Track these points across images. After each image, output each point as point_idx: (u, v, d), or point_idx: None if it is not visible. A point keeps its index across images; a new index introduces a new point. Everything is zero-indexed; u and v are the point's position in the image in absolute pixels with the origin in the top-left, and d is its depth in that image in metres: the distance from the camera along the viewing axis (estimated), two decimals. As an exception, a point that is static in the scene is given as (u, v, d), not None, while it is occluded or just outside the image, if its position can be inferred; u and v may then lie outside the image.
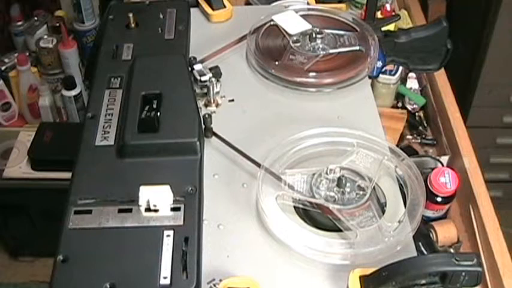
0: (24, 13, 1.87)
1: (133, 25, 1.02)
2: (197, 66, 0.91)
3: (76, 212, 0.73)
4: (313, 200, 0.74)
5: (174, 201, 0.73)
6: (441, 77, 1.28)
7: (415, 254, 0.71)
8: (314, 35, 0.96)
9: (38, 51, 1.77)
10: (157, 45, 0.99)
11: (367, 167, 0.78)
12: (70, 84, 1.71)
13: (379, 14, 1.37)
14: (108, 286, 0.65)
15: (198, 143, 0.79)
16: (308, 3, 1.11)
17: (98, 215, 0.72)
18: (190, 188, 0.75)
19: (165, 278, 0.65)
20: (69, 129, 1.72)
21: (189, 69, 0.91)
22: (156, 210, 0.72)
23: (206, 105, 0.90)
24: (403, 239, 0.70)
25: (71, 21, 1.85)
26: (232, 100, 0.92)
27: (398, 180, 0.78)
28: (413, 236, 0.71)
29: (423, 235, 1.02)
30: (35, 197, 1.70)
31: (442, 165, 1.15)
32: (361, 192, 0.74)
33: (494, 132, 1.92)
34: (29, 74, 1.76)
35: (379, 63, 0.97)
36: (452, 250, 1.05)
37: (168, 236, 0.69)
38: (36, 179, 1.66)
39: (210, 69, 0.91)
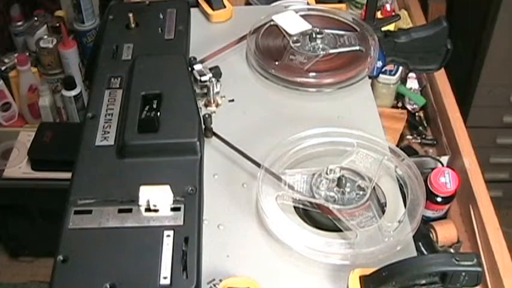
0: (24, 13, 1.87)
1: (133, 25, 1.02)
2: (197, 66, 0.91)
3: (76, 212, 0.73)
4: (313, 200, 0.74)
5: (174, 201, 0.73)
6: (441, 77, 1.28)
7: (415, 254, 0.71)
8: (314, 35, 0.96)
9: (38, 51, 1.77)
10: (157, 45, 0.99)
11: (367, 167, 0.78)
12: (70, 84, 1.71)
13: (379, 14, 1.37)
14: (108, 286, 0.65)
15: (198, 143, 0.79)
16: (308, 3, 1.11)
17: (98, 215, 0.72)
18: (190, 188, 0.75)
19: (165, 278, 0.65)
20: (69, 129, 1.73)
21: (189, 69, 0.91)
22: (156, 210, 0.72)
23: (206, 105, 0.90)
24: (403, 239, 0.70)
25: (71, 21, 1.85)
26: (232, 100, 0.92)
27: (398, 180, 0.78)
28: (413, 236, 0.71)
29: (423, 235, 1.02)
30: (35, 197, 1.70)
31: (442, 165, 1.15)
32: (361, 192, 0.74)
33: (494, 132, 1.92)
34: (29, 74, 1.77)
35: (379, 63, 0.97)
36: (452, 250, 1.05)
37: (168, 236, 0.69)
38: (36, 179, 1.66)
39: (210, 69, 0.91)
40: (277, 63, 0.93)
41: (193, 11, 1.08)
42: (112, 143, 0.81)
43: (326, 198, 0.74)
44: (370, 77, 0.96)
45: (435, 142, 1.26)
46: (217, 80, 0.90)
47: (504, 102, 1.84)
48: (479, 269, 0.61)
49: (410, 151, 1.22)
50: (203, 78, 0.89)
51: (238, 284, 0.65)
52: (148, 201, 0.72)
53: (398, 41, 0.97)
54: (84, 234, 0.70)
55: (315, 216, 0.74)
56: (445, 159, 1.16)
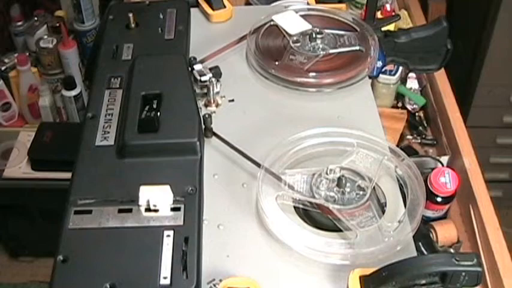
0: (24, 13, 1.87)
1: (133, 25, 1.02)
2: (197, 66, 0.91)
3: (76, 212, 0.73)
4: (313, 200, 0.74)
5: (174, 201, 0.73)
6: (441, 77, 1.28)
7: (415, 254, 0.71)
8: (314, 35, 0.96)
9: (38, 51, 1.78)
10: (157, 45, 0.99)
11: (367, 167, 0.78)
12: (70, 84, 1.71)
13: (379, 14, 1.37)
14: (108, 286, 0.65)
15: (198, 143, 0.79)
16: (308, 3, 1.11)
17: (98, 215, 0.72)
18: (190, 188, 0.75)
19: (165, 278, 0.65)
20: (69, 129, 1.73)
21: (189, 69, 0.91)
22: (156, 210, 0.72)
23: (206, 105, 0.90)
24: (403, 239, 0.70)
25: (71, 21, 1.85)
26: (232, 100, 0.92)
27: (398, 180, 0.78)
28: (413, 236, 0.71)
29: (423, 235, 1.02)
30: (35, 197, 1.70)
31: (442, 165, 1.15)
32: (361, 192, 0.74)
33: (494, 132, 1.92)
34: (29, 74, 1.77)
35: (379, 63, 0.97)
36: (452, 250, 1.05)
37: (168, 236, 0.69)
38: (36, 179, 1.66)
39: (210, 69, 0.91)
40: (277, 63, 0.93)
41: (193, 11, 1.08)
42: (112, 143, 0.81)
43: (326, 198, 0.74)
44: (370, 77, 0.96)
45: (435, 142, 1.26)
46: (217, 80, 0.90)
47: (504, 102, 1.84)
48: (479, 269, 0.61)
49: (410, 151, 1.22)
50: (203, 78, 0.89)
51: (238, 284, 0.65)
52: (148, 201, 0.72)
53: (398, 41, 0.97)
54: (84, 234, 0.70)
55: (315, 216, 0.74)
56: (445, 159, 1.16)
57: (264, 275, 0.68)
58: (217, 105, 0.90)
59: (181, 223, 0.71)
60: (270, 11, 1.03)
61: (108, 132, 0.83)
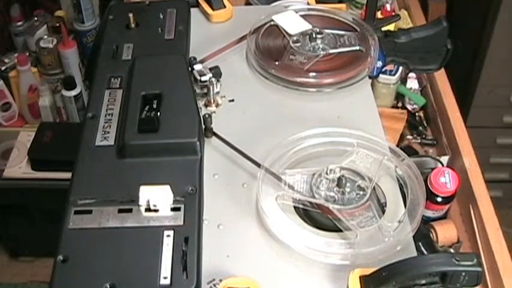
0: (24, 13, 1.87)
1: (133, 25, 1.02)
2: (197, 66, 0.91)
3: (76, 212, 0.73)
4: (313, 200, 0.74)
5: (174, 201, 0.73)
6: (441, 77, 1.28)
7: (415, 254, 0.71)
8: (314, 35, 0.96)
9: (38, 51, 1.78)
10: (157, 45, 0.99)
11: (367, 167, 0.78)
12: (70, 84, 1.71)
13: (379, 14, 1.37)
14: (108, 286, 0.65)
15: (198, 143, 0.79)
16: (308, 3, 1.11)
17: (98, 215, 0.72)
18: (190, 188, 0.75)
19: (165, 278, 0.65)
20: (69, 129, 1.73)
21: (189, 69, 0.91)
22: (156, 210, 0.72)
23: (206, 105, 0.90)
24: (403, 239, 0.70)
25: (71, 21, 1.86)
26: (232, 100, 0.92)
27: (398, 180, 0.78)
28: (413, 236, 0.71)
29: (423, 235, 1.02)
30: (35, 197, 1.70)
31: (442, 165, 1.15)
32: (361, 192, 0.74)
33: (494, 132, 1.92)
34: (29, 74, 1.77)
35: (379, 63, 0.97)
36: (452, 250, 1.05)
37: (168, 236, 0.69)
38: (36, 179, 1.66)
39: (210, 69, 0.91)
40: (277, 63, 0.93)
41: (193, 11, 1.08)
42: (112, 143, 0.81)
43: (326, 198, 0.74)
44: (370, 77, 0.96)
45: (435, 142, 1.26)
46: (217, 80, 0.90)
47: (504, 102, 1.85)
48: (479, 269, 0.61)
49: (410, 151, 1.22)
50: (203, 78, 0.89)
51: (238, 284, 0.65)
52: (148, 201, 0.72)
53: (398, 41, 0.97)
54: (84, 234, 0.71)
55: (315, 216, 0.74)
56: (445, 159, 1.16)
57: (264, 275, 0.68)
58: (217, 105, 0.90)
59: (181, 223, 0.71)
60: (270, 11, 1.03)
61: (108, 132, 0.83)
